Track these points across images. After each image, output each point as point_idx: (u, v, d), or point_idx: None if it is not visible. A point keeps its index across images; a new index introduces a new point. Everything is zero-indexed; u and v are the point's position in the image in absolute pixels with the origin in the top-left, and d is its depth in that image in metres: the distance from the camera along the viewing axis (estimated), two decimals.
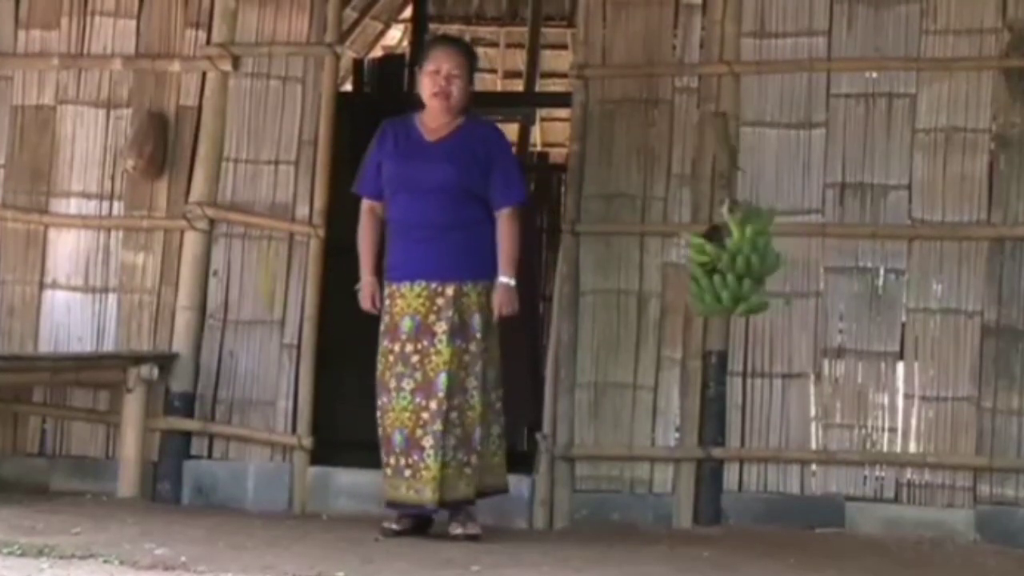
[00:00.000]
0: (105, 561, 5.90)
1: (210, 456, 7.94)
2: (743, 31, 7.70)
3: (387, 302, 7.10)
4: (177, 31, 8.19)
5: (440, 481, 6.90)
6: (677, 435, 7.59)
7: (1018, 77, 7.44)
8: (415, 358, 6.99)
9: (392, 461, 7.01)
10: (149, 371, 7.77)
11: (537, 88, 13.49)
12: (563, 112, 11.12)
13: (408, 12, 12.18)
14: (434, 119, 7.20)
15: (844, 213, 7.55)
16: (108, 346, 8.08)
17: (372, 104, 9.77)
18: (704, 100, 7.70)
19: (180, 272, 8.02)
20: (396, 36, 14.31)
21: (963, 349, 7.39)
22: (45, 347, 8.13)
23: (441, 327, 6.99)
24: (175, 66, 8.15)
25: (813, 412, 7.49)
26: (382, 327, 7.10)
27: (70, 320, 8.16)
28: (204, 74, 8.12)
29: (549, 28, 14.19)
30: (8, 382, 7.68)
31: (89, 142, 8.25)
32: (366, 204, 7.27)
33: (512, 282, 7.06)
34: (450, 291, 7.01)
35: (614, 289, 7.69)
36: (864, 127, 7.55)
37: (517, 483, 7.39)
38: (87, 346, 8.10)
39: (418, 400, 6.96)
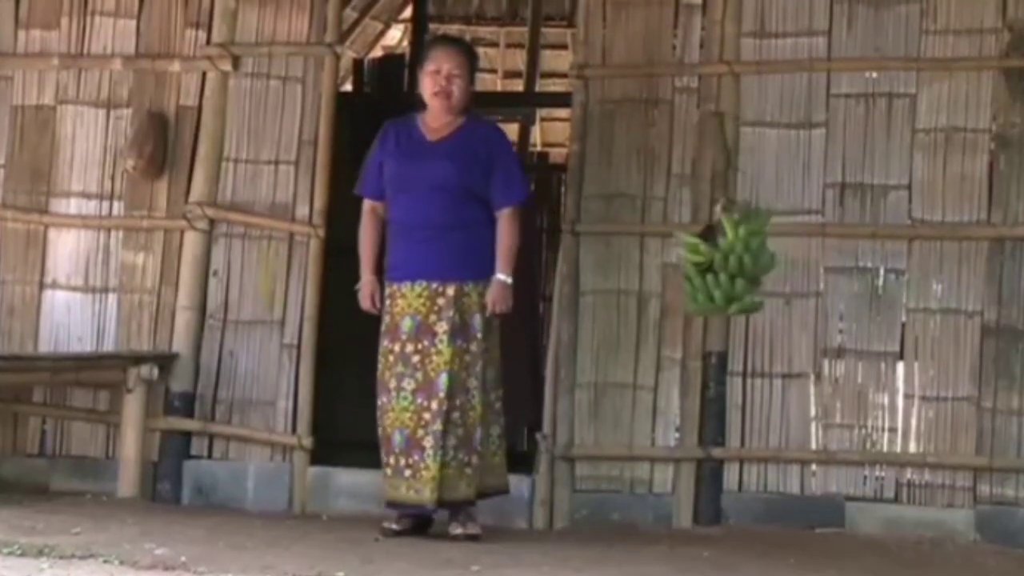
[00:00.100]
0: (105, 561, 5.89)
1: (210, 456, 7.94)
2: (743, 31, 7.70)
3: (388, 302, 7.10)
4: (177, 31, 8.19)
5: (440, 481, 6.90)
6: (677, 435, 7.59)
7: (1018, 77, 7.44)
8: (416, 358, 6.98)
9: (392, 461, 7.01)
10: (149, 371, 7.77)
11: (537, 88, 13.48)
12: (563, 112, 11.12)
13: (408, 12, 12.17)
14: (435, 119, 7.20)
15: (844, 213, 7.54)
16: (108, 346, 8.08)
17: (372, 104, 9.77)
18: (704, 100, 7.69)
19: (180, 272, 8.02)
20: (396, 36, 14.30)
21: (963, 349, 7.39)
22: (45, 347, 8.13)
23: (442, 327, 6.99)
24: (175, 66, 8.15)
25: (813, 412, 7.49)
26: (383, 327, 7.10)
27: (70, 320, 8.16)
28: (204, 74, 8.12)
29: (549, 28, 14.18)
30: (8, 382, 7.68)
31: (89, 142, 8.25)
32: (368, 204, 7.27)
33: (508, 280, 7.05)
34: (451, 291, 7.01)
35: (614, 289, 7.69)
36: (864, 127, 7.54)
37: (517, 483, 7.39)
38: (87, 346, 8.10)
39: (419, 400, 6.95)
